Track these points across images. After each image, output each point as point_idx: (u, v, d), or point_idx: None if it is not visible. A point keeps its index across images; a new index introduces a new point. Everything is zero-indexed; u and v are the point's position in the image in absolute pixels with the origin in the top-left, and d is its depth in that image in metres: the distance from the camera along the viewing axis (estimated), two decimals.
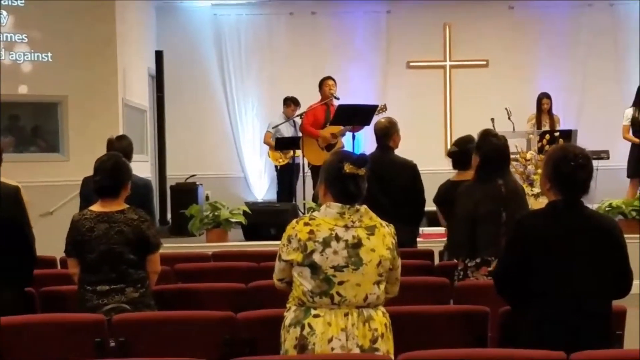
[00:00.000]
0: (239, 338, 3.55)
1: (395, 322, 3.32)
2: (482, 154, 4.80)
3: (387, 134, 5.99)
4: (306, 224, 3.20)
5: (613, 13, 11.94)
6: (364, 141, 10.87)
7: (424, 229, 7.93)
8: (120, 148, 5.50)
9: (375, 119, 7.81)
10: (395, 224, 3.37)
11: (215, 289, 4.46)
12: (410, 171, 5.99)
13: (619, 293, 3.37)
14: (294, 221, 3.27)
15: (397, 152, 6.23)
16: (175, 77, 11.21)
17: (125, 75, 9.55)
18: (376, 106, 8.79)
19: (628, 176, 9.44)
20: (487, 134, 4.89)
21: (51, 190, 8.56)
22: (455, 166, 5.62)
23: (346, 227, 3.19)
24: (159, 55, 10.10)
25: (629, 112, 9.38)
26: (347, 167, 3.22)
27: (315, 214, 3.29)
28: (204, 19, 12.03)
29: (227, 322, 3.59)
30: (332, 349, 3.11)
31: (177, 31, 11.82)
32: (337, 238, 3.16)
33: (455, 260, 4.86)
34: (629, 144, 9.44)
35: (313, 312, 3.16)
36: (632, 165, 9.40)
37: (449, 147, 11.70)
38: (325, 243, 3.15)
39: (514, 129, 9.38)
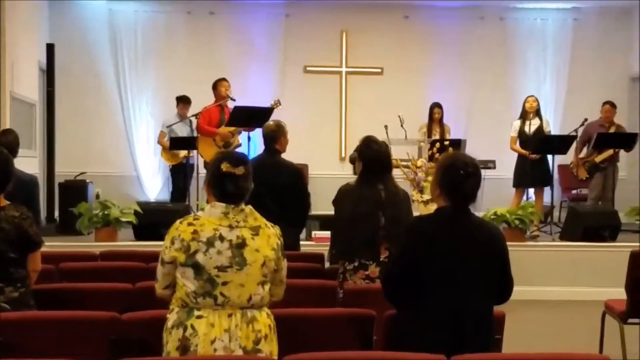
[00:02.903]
0: (124, 339, 3.49)
1: (282, 325, 3.33)
2: (364, 160, 4.92)
3: (274, 137, 6.02)
4: (190, 224, 3.19)
5: (503, 27, 12.34)
6: (261, 141, 10.87)
7: (315, 233, 8.01)
8: (6, 142, 5.31)
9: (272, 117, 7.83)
10: (281, 227, 3.39)
11: (100, 289, 4.37)
12: (294, 174, 6.02)
13: (500, 299, 3.47)
14: (177, 222, 3.24)
15: (291, 155, 6.25)
16: (68, 72, 10.95)
17: (13, 67, 9.25)
18: (272, 109, 8.79)
19: (514, 186, 9.75)
20: (368, 141, 5.00)
21: None
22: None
23: (230, 227, 3.18)
24: (50, 48, 9.81)
25: (517, 124, 9.69)
26: (224, 166, 3.22)
27: (199, 213, 3.28)
28: (100, 13, 11.78)
29: (111, 322, 3.52)
30: (215, 350, 3.09)
31: (70, 25, 11.54)
32: (221, 238, 3.15)
33: (338, 263, 4.94)
34: (515, 155, 9.76)
35: (196, 313, 3.13)
36: (517, 176, 9.72)
37: (343, 152, 11.96)
38: (209, 243, 3.14)
39: (406, 137, 9.57)
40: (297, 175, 6.06)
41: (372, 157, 4.91)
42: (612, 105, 9.84)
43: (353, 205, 4.81)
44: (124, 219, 7.88)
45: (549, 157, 9.48)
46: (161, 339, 3.23)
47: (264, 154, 6.03)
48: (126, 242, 7.88)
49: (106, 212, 7.83)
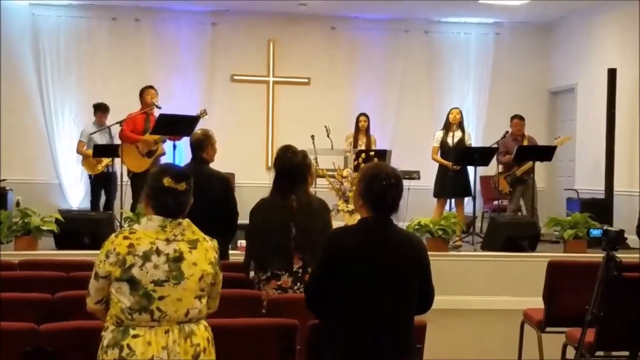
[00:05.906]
0: (42, 350, 3.41)
1: None
2: (278, 169, 4.92)
3: (201, 146, 5.98)
4: (126, 238, 3.11)
5: (428, 40, 12.56)
6: (186, 150, 10.78)
7: (241, 242, 7.97)
8: None
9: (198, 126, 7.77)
10: (210, 237, 3.37)
11: (18, 299, 4.26)
12: (222, 184, 5.99)
13: (421, 309, 3.50)
14: (113, 235, 3.16)
15: (218, 163, 6.21)
16: None
17: None
18: (198, 117, 8.74)
19: (434, 196, 9.91)
20: (285, 150, 4.99)
21: None
22: None
23: (167, 240, 3.13)
24: None
25: (439, 134, 9.89)
26: (166, 181, 3.17)
27: (135, 227, 3.20)
28: (22, 17, 11.57)
29: (28, 334, 3.43)
30: None
31: None
32: (158, 252, 3.09)
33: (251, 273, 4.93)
34: (438, 166, 9.93)
35: (132, 332, 3.06)
36: (438, 186, 9.89)
37: (270, 161, 11.96)
38: (146, 257, 3.07)
39: (332, 147, 9.62)
40: (226, 185, 6.03)
41: (283, 166, 4.90)
42: (521, 118, 10.17)
43: (263, 216, 4.81)
44: (44, 228, 7.71)
45: (470, 168, 9.66)
46: (80, 350, 3.16)
47: (192, 163, 5.97)
48: (47, 250, 7.72)
49: (26, 221, 7.66)
